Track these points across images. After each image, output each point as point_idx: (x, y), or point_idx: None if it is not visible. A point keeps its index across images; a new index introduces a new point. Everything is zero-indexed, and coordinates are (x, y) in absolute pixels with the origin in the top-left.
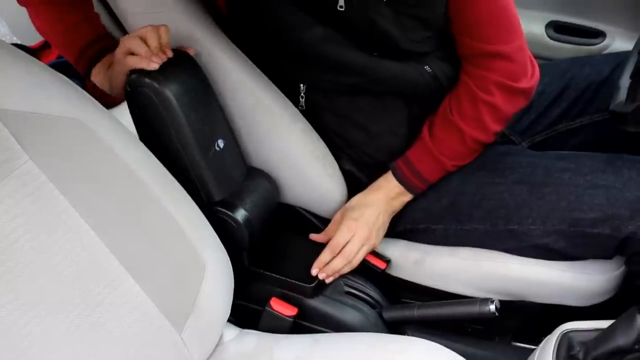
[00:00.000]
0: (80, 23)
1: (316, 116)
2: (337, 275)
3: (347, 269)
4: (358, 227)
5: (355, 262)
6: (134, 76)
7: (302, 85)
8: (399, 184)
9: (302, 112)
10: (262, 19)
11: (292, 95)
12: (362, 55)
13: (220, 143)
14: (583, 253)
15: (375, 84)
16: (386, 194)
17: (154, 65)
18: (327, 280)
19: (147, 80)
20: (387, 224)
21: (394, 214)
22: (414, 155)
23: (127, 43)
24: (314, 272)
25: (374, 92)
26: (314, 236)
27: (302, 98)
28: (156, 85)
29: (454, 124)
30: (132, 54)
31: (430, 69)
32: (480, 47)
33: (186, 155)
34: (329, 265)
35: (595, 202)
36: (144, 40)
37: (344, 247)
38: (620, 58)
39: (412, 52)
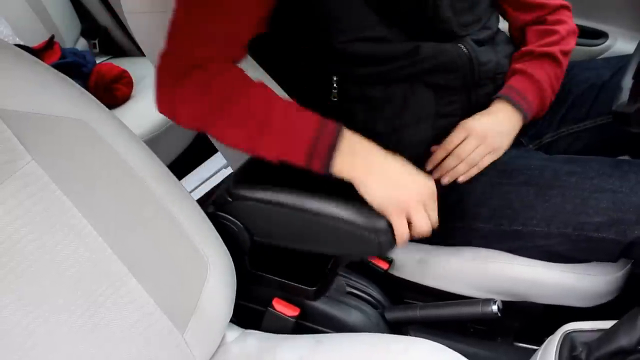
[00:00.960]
0: (299, 109)
1: (346, 107)
2: (454, 176)
3: (462, 168)
4: (474, 127)
5: (471, 161)
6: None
7: (335, 77)
8: (507, 103)
9: (334, 104)
10: (314, 17)
11: (324, 87)
12: (406, 43)
13: None
14: (587, 256)
15: (414, 66)
16: (494, 114)
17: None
18: (443, 181)
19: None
20: (507, 135)
21: (513, 131)
22: (515, 83)
23: (417, 216)
24: (429, 167)
25: (409, 78)
26: (434, 148)
27: (335, 90)
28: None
29: (546, 52)
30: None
31: (466, 49)
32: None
33: None
34: (442, 164)
35: (601, 206)
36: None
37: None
38: (622, 62)
39: (455, 35)
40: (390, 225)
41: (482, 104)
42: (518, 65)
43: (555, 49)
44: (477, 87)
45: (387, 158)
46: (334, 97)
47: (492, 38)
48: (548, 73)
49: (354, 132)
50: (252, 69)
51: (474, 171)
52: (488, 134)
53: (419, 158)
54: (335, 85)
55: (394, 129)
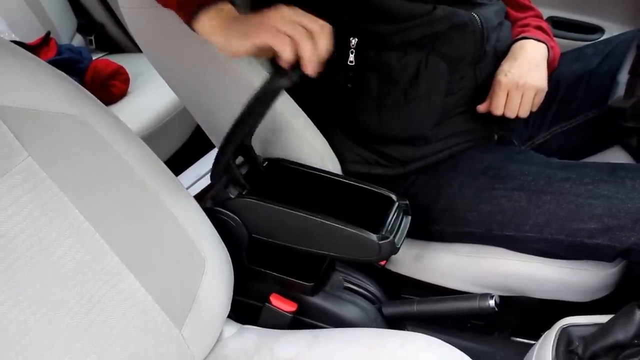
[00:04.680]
0: None
1: (361, 73)
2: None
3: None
4: (510, 81)
5: (525, 111)
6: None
7: (353, 39)
8: (526, 40)
9: (350, 67)
10: None
11: (341, 51)
12: (424, 4)
13: None
14: (582, 258)
15: (430, 27)
16: (518, 51)
17: (310, 71)
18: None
19: None
20: (538, 67)
21: (542, 60)
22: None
23: (292, 30)
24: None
25: (424, 44)
26: (480, 107)
27: (352, 53)
28: None
29: (539, 25)
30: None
31: (478, 18)
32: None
33: None
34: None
35: (595, 212)
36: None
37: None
38: (610, 46)
39: (471, 2)
40: (390, 232)
41: (488, 86)
42: (520, 29)
43: (544, 24)
44: (481, 62)
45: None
46: (351, 62)
47: (500, 23)
48: (546, 38)
49: (367, 102)
50: None
51: (533, 110)
52: (522, 79)
53: (425, 134)
54: (353, 48)
55: (406, 99)
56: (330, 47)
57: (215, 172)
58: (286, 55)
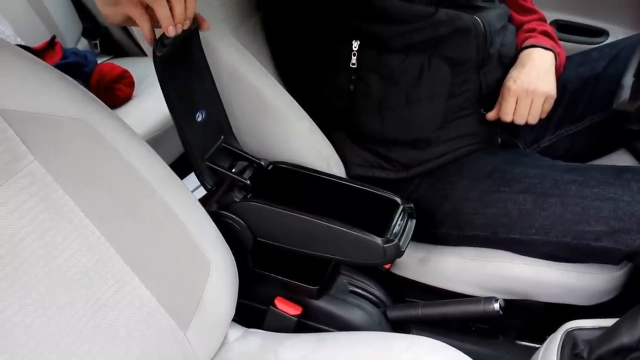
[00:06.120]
0: None
1: (363, 76)
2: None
3: (531, 124)
4: (519, 87)
5: (534, 117)
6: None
7: (355, 41)
8: (533, 48)
9: (352, 70)
10: None
11: (343, 53)
12: (427, 7)
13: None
14: (588, 261)
15: (432, 30)
16: (526, 59)
17: (171, 33)
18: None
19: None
20: (547, 73)
21: (551, 67)
22: (531, 41)
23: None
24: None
25: (427, 47)
26: (489, 115)
27: (354, 55)
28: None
29: (545, 30)
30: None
31: (481, 21)
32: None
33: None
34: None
35: (601, 215)
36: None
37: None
38: (616, 50)
39: (473, 5)
40: (395, 235)
41: (492, 90)
42: (526, 35)
43: (550, 28)
44: (485, 66)
45: None
46: (353, 64)
47: (504, 26)
48: (552, 45)
49: (369, 104)
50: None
51: (542, 116)
52: (532, 85)
53: (428, 137)
54: (355, 50)
55: (408, 102)
56: (191, 11)
57: (198, 176)
58: (144, 27)
